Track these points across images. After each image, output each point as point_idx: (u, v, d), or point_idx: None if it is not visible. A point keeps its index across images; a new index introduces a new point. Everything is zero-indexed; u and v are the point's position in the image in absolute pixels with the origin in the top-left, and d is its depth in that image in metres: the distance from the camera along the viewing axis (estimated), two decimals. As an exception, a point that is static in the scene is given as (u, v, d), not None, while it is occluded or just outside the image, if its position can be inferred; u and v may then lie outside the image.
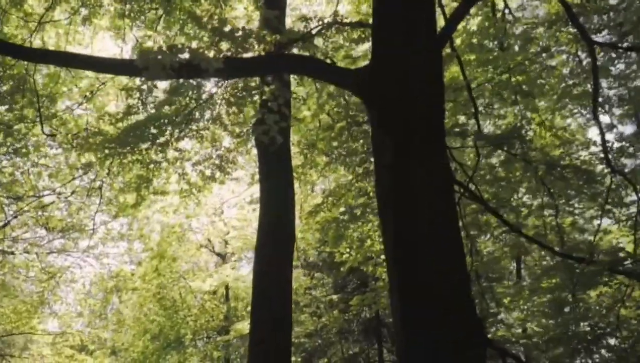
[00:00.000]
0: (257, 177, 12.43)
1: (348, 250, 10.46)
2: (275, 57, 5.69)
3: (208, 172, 9.73)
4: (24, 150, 10.75)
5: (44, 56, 5.66)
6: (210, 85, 7.47)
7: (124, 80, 9.30)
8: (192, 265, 25.12)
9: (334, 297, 14.44)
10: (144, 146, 8.16)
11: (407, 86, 4.81)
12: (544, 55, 8.40)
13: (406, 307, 4.21)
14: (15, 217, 14.52)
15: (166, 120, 8.22)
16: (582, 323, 8.30)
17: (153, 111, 7.86)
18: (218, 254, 25.97)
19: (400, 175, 4.65)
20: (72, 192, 13.83)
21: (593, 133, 12.83)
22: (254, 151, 10.99)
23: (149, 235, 15.36)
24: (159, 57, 4.94)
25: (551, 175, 7.08)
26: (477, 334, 4.45)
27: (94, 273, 17.05)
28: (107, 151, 7.77)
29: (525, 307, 9.25)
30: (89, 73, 11.84)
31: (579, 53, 7.88)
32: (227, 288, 27.15)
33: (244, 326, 14.36)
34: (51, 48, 11.00)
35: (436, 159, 4.85)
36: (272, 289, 7.76)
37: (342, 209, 9.87)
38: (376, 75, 5.00)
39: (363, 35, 7.38)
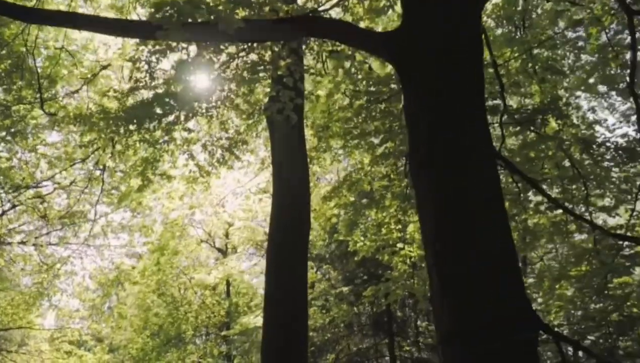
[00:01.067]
0: (267, 161, 12.01)
1: (362, 238, 10.01)
2: (300, 19, 5.22)
3: (217, 155, 9.28)
4: (22, 133, 10.25)
5: (48, 17, 5.17)
6: (222, 59, 7.01)
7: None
8: (193, 261, 24.76)
9: (344, 289, 13.95)
10: (150, 125, 7.69)
11: (445, 48, 4.33)
12: (571, 30, 7.97)
13: (453, 298, 3.71)
14: (13, 207, 14.03)
15: (174, 99, 7.77)
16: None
17: (161, 87, 7.42)
18: (219, 249, 25.65)
19: (438, 148, 4.09)
20: (72, 182, 13.36)
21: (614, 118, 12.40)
22: (265, 135, 10.56)
23: (151, 226, 14.86)
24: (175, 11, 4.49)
25: (586, 153, 6.66)
26: (529, 317, 3.96)
27: (94, 267, 16.59)
28: (111, 128, 7.27)
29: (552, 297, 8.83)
30: (90, 55, 11.41)
31: (614, 26, 7.45)
32: (228, 284, 26.82)
33: (248, 320, 13.90)
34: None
35: (477, 128, 4.35)
36: (287, 282, 7.20)
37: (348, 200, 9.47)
38: (411, 36, 4.52)
39: (386, 4, 6.97)
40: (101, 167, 10.68)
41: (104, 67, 10.79)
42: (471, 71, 4.47)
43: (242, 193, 14.19)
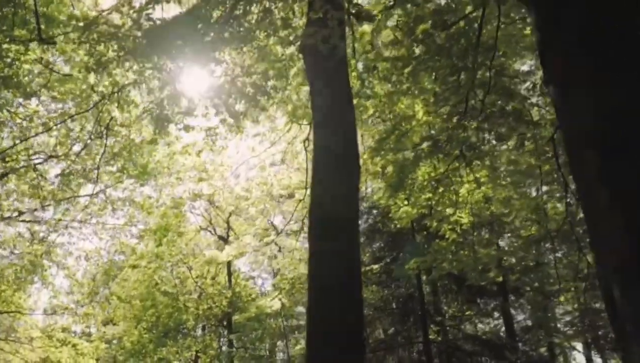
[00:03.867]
0: (281, 129, 10.72)
1: (406, 202, 8.73)
2: None
3: (241, 106, 7.97)
4: (15, 79, 8.85)
5: None
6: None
7: None
8: (192, 249, 23.63)
9: (375, 266, 12.61)
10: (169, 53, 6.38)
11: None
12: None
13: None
14: (4, 176, 12.59)
15: (201, 22, 6.47)
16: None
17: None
18: (220, 237, 24.56)
19: (602, 94, 2.67)
20: (69, 149, 11.94)
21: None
22: (297, 81, 9.21)
23: (156, 200, 13.51)
24: None
25: None
26: None
27: (90, 248, 15.20)
28: (123, 50, 5.92)
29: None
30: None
31: None
32: (229, 273, 25.63)
33: (264, 303, 12.58)
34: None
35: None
36: (337, 262, 5.47)
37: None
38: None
39: None
40: (104, 129, 9.36)
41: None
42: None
43: (256, 165, 12.86)
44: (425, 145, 7.01)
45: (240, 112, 8.26)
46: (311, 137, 12.00)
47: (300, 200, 12.89)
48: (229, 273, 25.30)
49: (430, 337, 12.18)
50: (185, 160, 9.12)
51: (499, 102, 6.52)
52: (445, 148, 7.08)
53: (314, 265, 5.55)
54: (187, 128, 8.17)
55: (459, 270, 8.77)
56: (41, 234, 12.86)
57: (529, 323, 14.71)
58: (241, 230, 19.64)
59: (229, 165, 12.97)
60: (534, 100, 6.79)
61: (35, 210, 13.48)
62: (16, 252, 12.47)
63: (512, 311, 14.37)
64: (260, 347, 21.64)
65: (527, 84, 6.69)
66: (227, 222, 26.31)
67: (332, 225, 5.62)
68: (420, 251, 8.65)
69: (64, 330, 15.27)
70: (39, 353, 14.82)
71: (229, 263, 25.74)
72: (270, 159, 13.19)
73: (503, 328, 14.31)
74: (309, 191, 12.38)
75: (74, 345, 15.11)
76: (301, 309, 23.06)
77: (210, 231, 25.76)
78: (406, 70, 7.31)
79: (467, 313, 14.06)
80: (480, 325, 16.41)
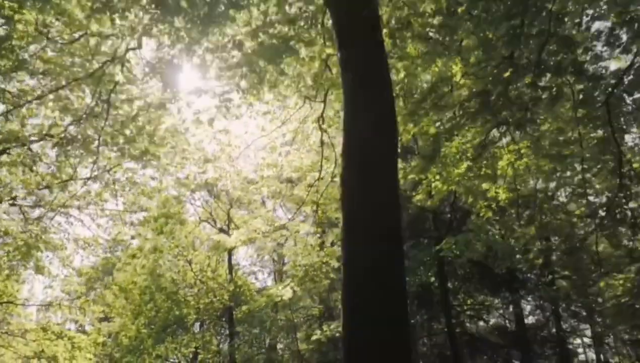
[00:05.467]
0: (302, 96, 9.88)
1: (437, 176, 7.94)
2: None
3: (262, 63, 7.17)
4: (8, 42, 7.99)
5: None
6: None
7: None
8: (192, 241, 22.98)
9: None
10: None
11: None
12: None
13: None
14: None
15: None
16: None
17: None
18: (220, 229, 23.96)
19: None
20: (66, 130, 11.04)
21: None
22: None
23: (158, 184, 12.67)
24: None
25: None
26: None
27: (85, 236, 14.33)
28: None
29: None
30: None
31: None
32: (230, 266, 24.92)
33: (275, 291, 11.79)
34: None
35: None
36: (378, 257, 4.60)
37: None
38: None
39: None
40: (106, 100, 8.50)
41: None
42: None
43: (266, 146, 12.04)
44: (471, 102, 6.22)
45: (259, 72, 7.47)
46: (325, 114, 11.28)
47: (310, 185, 12.15)
48: (230, 267, 24.57)
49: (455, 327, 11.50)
50: (196, 129, 8.30)
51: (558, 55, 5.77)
52: (495, 107, 6.26)
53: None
54: (198, 91, 7.37)
55: (492, 252, 8.02)
56: (35, 217, 11.98)
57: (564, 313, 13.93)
58: (241, 223, 18.87)
59: (237, 146, 12.16)
60: (598, 49, 6.04)
61: (30, 193, 12.63)
62: (8, 236, 11.58)
63: (542, 303, 13.66)
64: (265, 339, 20.88)
65: (592, 31, 5.95)
66: (228, 214, 25.62)
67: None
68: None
69: (59, 323, 14.38)
70: (33, 347, 13.95)
71: (229, 257, 25.04)
72: (281, 140, 12.40)
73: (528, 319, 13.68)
74: (321, 175, 11.68)
75: (70, 338, 14.25)
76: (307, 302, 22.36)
77: (210, 223, 25.06)
78: (446, 26, 6.56)
79: (486, 304, 13.34)
80: (493, 317, 15.70)
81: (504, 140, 7.31)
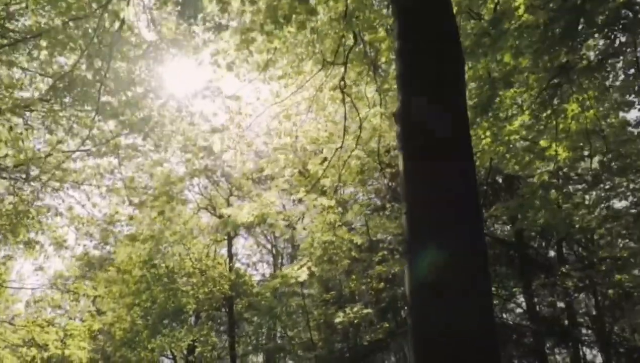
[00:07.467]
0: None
1: (487, 133, 6.96)
2: None
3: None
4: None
5: None
6: None
7: None
8: (191, 229, 21.99)
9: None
10: None
11: None
12: None
13: None
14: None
15: None
16: None
17: None
18: (220, 216, 23.01)
19: None
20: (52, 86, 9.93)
21: None
22: None
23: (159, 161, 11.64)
24: None
25: None
26: None
27: (80, 216, 13.25)
28: None
29: None
30: None
31: None
32: (230, 255, 24.03)
33: (291, 271, 10.75)
34: None
35: None
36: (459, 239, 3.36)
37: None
38: None
39: None
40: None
41: None
42: None
43: (279, 113, 11.02)
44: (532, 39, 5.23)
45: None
46: (347, 78, 10.31)
47: (325, 158, 11.16)
48: (230, 255, 23.65)
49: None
50: (214, 73, 7.25)
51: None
52: (563, 43, 5.29)
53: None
54: (218, 27, 6.34)
55: (547, 220, 7.04)
56: (26, 192, 10.89)
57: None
58: (254, 196, 17.80)
59: (248, 113, 11.12)
60: None
61: (20, 165, 11.54)
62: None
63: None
64: (276, 327, 19.90)
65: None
66: (228, 201, 24.77)
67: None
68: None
69: (54, 307, 13.26)
70: (22, 334, 12.85)
71: (229, 246, 24.08)
72: (295, 109, 11.41)
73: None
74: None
75: (63, 327, 13.17)
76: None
77: (210, 211, 24.14)
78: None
79: (514, 289, 12.37)
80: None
81: (566, 91, 6.34)
